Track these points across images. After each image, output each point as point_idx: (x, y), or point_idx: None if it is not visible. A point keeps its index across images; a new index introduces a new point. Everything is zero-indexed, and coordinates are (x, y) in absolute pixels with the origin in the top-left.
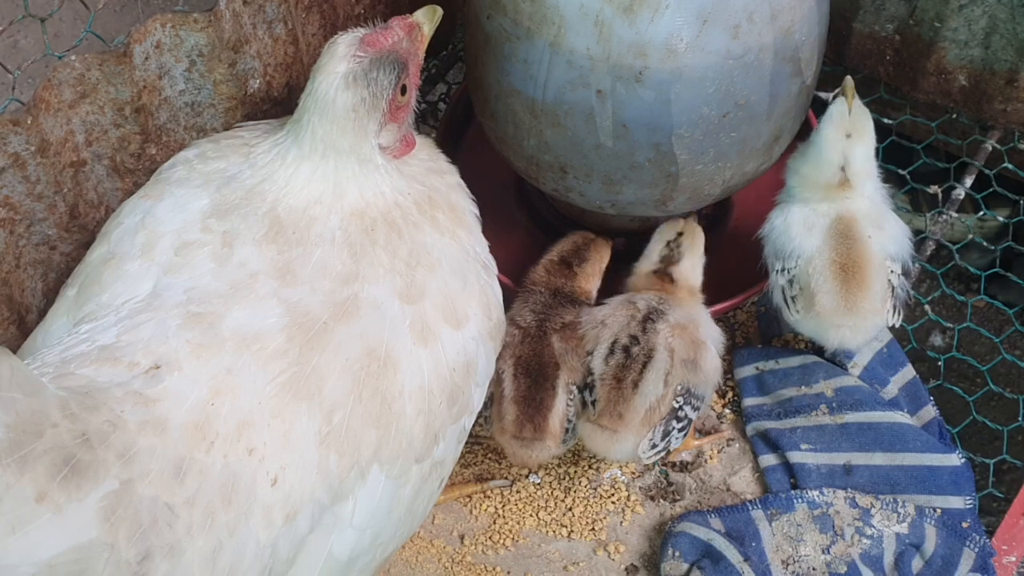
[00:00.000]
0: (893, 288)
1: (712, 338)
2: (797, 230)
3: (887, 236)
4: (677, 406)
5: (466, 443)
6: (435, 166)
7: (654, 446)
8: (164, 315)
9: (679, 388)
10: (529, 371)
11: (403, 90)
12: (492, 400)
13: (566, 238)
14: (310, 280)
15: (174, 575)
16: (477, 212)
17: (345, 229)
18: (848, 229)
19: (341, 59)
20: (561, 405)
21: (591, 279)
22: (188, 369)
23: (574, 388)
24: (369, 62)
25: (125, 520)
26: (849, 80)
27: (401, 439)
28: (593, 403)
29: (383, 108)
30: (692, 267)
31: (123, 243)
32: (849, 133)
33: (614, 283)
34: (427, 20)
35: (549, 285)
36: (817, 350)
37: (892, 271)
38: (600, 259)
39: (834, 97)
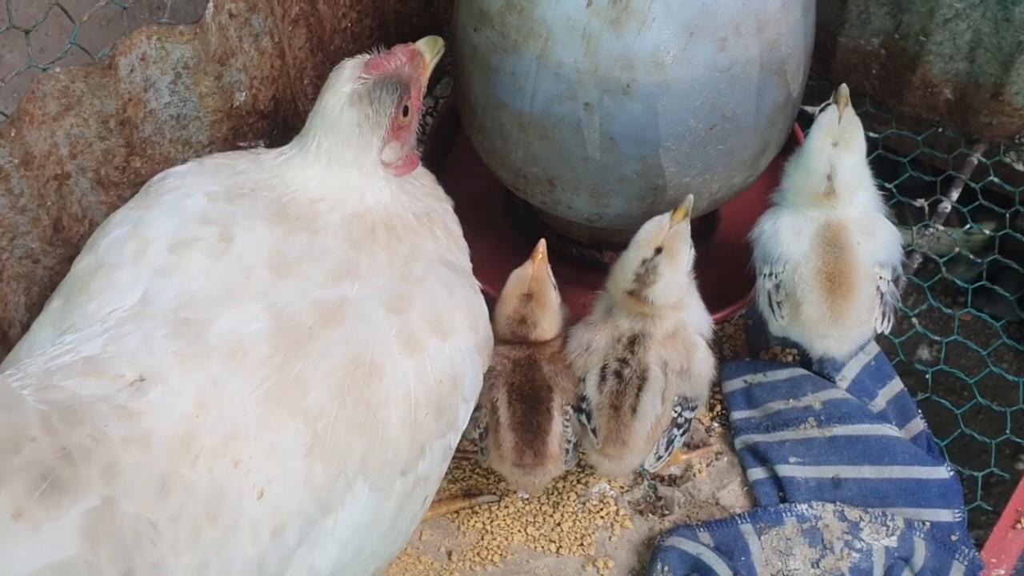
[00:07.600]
0: (882, 295)
1: (702, 330)
2: (786, 235)
3: (877, 243)
4: (676, 414)
5: (454, 458)
6: (435, 192)
7: (659, 457)
8: (151, 324)
9: (676, 399)
10: (523, 397)
11: (405, 111)
12: (488, 430)
13: (501, 317)
14: (308, 269)
15: None
16: (466, 244)
17: (348, 226)
18: (836, 236)
19: (347, 80)
20: (558, 427)
21: (553, 324)
22: (173, 381)
23: (569, 408)
24: (373, 83)
25: (107, 538)
26: (844, 88)
27: (386, 448)
28: (594, 431)
29: (386, 126)
30: (670, 287)
31: (112, 252)
32: (836, 142)
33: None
34: (428, 49)
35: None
36: (805, 363)
37: (881, 277)
38: (550, 294)
39: (826, 104)
